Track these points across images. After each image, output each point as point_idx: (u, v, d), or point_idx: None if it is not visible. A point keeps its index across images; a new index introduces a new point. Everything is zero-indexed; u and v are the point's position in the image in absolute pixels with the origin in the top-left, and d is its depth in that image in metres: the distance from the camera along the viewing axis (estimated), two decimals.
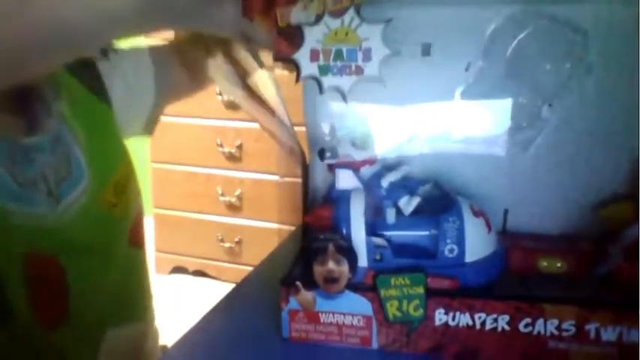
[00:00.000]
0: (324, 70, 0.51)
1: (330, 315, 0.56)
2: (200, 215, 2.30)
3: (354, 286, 0.55)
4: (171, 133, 2.16)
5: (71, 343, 0.58)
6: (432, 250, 0.57)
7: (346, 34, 0.50)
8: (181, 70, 0.76)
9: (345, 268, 0.55)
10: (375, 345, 0.56)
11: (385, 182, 0.62)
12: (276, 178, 2.11)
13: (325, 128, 0.63)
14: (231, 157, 2.18)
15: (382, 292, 0.55)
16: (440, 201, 0.61)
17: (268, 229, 2.18)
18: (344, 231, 0.58)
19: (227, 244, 2.27)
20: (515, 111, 0.65)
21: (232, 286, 0.70)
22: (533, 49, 0.63)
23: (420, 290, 0.55)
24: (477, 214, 0.58)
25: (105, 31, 0.45)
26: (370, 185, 0.62)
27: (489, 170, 0.67)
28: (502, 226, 0.67)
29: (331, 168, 0.64)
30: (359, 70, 0.51)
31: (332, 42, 0.50)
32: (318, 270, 0.55)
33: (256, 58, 0.54)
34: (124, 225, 0.66)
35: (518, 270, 0.60)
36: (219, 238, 2.27)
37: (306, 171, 0.63)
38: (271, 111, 0.56)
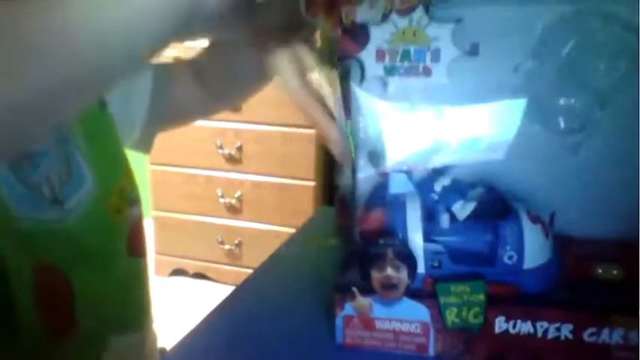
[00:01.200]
0: (391, 70, 0.49)
1: (387, 321, 0.54)
2: (200, 217, 2.28)
3: (411, 293, 0.54)
4: (170, 134, 2.11)
5: (75, 353, 0.56)
6: (489, 256, 0.56)
7: (414, 33, 0.48)
8: (193, 89, 0.73)
9: (403, 274, 0.53)
10: (431, 352, 0.55)
11: (438, 186, 0.60)
12: (276, 179, 2.12)
13: (374, 130, 0.61)
14: (231, 159, 2.17)
15: (442, 300, 0.54)
16: (493, 205, 0.59)
17: (268, 231, 2.18)
18: (400, 236, 0.56)
19: (227, 247, 2.25)
20: (565, 113, 0.63)
21: (232, 288, 0.69)
22: (584, 49, 0.62)
23: (481, 297, 0.53)
24: (534, 220, 0.57)
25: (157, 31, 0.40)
26: (421, 189, 0.61)
27: (537, 173, 0.66)
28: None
29: (380, 171, 0.62)
30: (427, 72, 0.49)
31: (399, 42, 0.49)
32: (375, 276, 0.53)
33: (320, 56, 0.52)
34: (122, 233, 0.64)
35: (572, 277, 0.59)
36: (219, 240, 2.26)
37: (354, 173, 0.62)
38: (326, 110, 0.55)
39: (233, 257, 2.27)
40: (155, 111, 0.72)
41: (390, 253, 0.52)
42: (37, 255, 0.52)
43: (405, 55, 0.48)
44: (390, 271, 0.53)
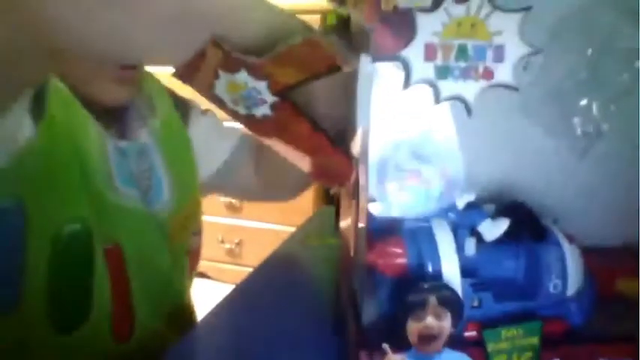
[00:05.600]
0: (443, 72, 0.37)
1: None
2: None
3: (453, 342, 0.44)
4: None
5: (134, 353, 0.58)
6: (532, 286, 0.47)
7: (472, 25, 0.37)
8: (252, 180, 0.77)
9: (446, 322, 0.42)
10: None
11: (461, 203, 0.50)
12: None
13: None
14: None
15: (490, 347, 0.44)
16: (516, 222, 0.51)
17: (269, 230, 2.12)
18: (430, 272, 0.46)
19: (227, 245, 2.20)
20: (574, 115, 0.57)
21: (232, 287, 0.68)
22: (598, 47, 0.55)
23: (535, 341, 0.44)
24: (570, 240, 0.49)
25: None
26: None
27: (540, 180, 0.59)
28: None
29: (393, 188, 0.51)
30: (488, 74, 0.38)
31: (454, 35, 0.37)
32: (412, 327, 0.42)
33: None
34: (180, 267, 0.68)
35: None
36: (220, 239, 2.20)
37: (357, 190, 0.49)
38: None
39: (233, 256, 2.22)
40: (216, 182, 0.77)
41: (433, 299, 0.42)
42: (110, 233, 0.55)
43: (462, 52, 0.37)
44: (430, 320, 0.42)
